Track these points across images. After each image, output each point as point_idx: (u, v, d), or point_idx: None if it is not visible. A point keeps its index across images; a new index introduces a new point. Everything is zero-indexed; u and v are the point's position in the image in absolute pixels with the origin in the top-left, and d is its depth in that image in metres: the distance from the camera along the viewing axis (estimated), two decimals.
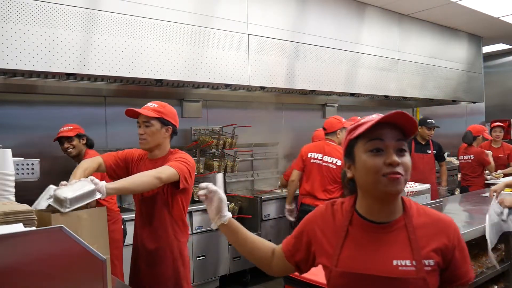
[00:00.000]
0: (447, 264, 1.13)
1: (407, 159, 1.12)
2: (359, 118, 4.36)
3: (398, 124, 1.12)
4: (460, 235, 1.16)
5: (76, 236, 1.01)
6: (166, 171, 2.00)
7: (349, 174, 1.20)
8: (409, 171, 1.12)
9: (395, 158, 1.09)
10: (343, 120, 3.79)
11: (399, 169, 1.09)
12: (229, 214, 1.35)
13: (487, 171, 4.96)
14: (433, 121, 4.76)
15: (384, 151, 1.10)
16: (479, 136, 4.95)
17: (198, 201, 4.07)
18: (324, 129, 3.78)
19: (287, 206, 3.91)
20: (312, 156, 3.67)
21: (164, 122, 2.17)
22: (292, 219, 3.94)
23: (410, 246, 1.12)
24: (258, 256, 1.39)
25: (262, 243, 1.40)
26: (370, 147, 1.12)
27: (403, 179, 1.11)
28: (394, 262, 1.11)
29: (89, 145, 3.35)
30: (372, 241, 1.16)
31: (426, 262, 1.10)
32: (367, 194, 1.17)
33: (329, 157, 3.63)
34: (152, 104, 2.18)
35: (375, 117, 1.13)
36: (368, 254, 1.15)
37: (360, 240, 1.17)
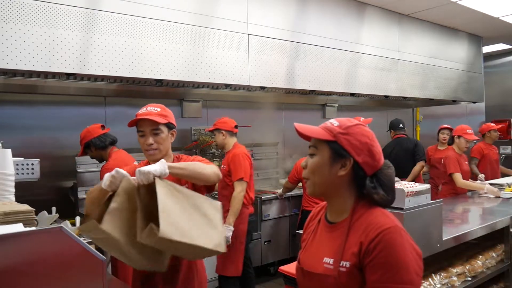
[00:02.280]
0: (363, 268, 1.13)
1: (310, 161, 1.25)
2: (362, 118, 4.39)
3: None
4: (387, 245, 1.10)
5: (76, 236, 1.01)
6: (216, 170, 1.86)
7: None
8: (312, 173, 1.24)
9: (303, 162, 1.30)
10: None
11: (305, 172, 1.26)
12: None
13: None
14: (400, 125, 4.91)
15: None
16: (454, 136, 4.38)
17: None
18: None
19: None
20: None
21: (170, 127, 1.98)
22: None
23: (337, 246, 1.19)
24: None
25: None
26: None
27: (308, 182, 1.26)
28: (324, 259, 1.20)
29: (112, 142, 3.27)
30: (320, 239, 1.29)
31: (343, 263, 1.16)
32: None
33: None
34: (154, 108, 1.95)
35: None
36: (313, 250, 1.28)
37: (316, 238, 1.30)
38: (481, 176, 4.69)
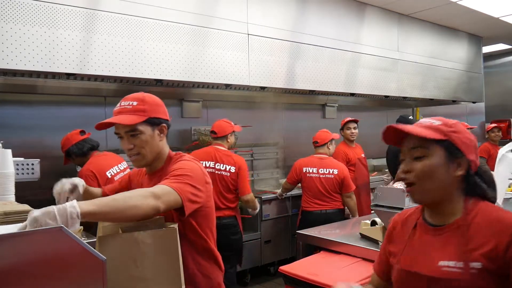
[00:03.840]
0: (501, 268, 1.06)
1: (420, 164, 1.15)
2: (349, 118, 4.39)
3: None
4: None
5: (76, 236, 1.01)
6: (164, 191, 1.37)
7: None
8: (423, 178, 1.14)
9: (402, 166, 1.18)
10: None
11: (409, 177, 1.17)
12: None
13: None
14: (410, 116, 4.48)
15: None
16: None
17: None
18: (214, 132, 3.66)
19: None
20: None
21: (154, 122, 1.55)
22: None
23: (458, 248, 1.12)
24: None
25: None
26: None
27: (416, 189, 1.16)
28: (441, 263, 1.13)
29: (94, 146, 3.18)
30: (426, 242, 1.20)
31: (473, 265, 1.08)
32: None
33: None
34: (129, 103, 1.54)
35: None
36: (420, 254, 1.20)
37: (419, 242, 1.22)
38: None
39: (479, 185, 1.17)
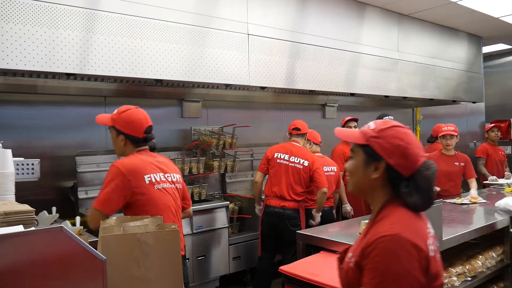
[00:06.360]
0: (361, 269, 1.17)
1: (348, 163, 1.31)
2: (348, 118, 4.40)
3: None
4: (379, 253, 1.11)
5: (76, 236, 1.01)
6: (90, 217, 2.01)
7: None
8: (350, 174, 1.30)
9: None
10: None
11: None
12: None
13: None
14: (391, 116, 4.27)
15: None
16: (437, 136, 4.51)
17: (198, 201, 4.07)
18: (298, 129, 3.80)
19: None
20: (279, 157, 3.70)
21: (117, 131, 2.12)
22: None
23: (357, 244, 1.26)
24: None
25: None
26: None
27: (349, 182, 1.33)
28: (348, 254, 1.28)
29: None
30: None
31: (352, 259, 1.21)
32: None
33: (296, 158, 3.67)
34: (116, 110, 2.17)
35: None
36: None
37: None
38: (493, 177, 4.64)
39: (401, 190, 1.20)
